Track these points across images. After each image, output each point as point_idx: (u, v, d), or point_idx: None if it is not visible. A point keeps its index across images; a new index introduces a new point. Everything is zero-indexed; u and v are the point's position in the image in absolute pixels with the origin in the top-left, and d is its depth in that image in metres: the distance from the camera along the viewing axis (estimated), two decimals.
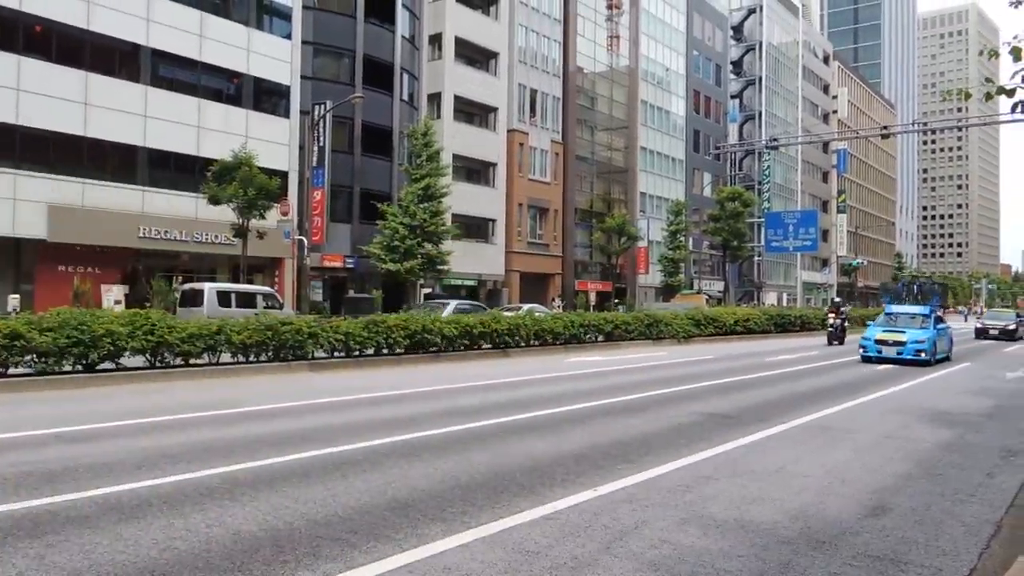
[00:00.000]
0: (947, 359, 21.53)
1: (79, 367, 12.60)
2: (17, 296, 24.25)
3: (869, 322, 24.31)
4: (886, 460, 7.77)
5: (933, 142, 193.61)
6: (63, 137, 27.05)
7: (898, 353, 19.39)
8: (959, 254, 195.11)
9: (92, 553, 4.42)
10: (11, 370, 11.93)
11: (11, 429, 8.27)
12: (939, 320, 21.60)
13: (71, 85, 27.10)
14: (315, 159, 32.48)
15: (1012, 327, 35.57)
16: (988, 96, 7.03)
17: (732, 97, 76.60)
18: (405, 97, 40.13)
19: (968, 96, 7.13)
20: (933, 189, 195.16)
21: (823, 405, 11.77)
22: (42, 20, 26.56)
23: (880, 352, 19.80)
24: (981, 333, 35.93)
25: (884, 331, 20.44)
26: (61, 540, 4.63)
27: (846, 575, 4.42)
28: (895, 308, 22.98)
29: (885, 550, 4.89)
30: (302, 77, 35.05)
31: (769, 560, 4.62)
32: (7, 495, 5.58)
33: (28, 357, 11.96)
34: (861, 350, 20.46)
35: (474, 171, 45.55)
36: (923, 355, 19.24)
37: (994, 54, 7.41)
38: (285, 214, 29.48)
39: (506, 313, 24.00)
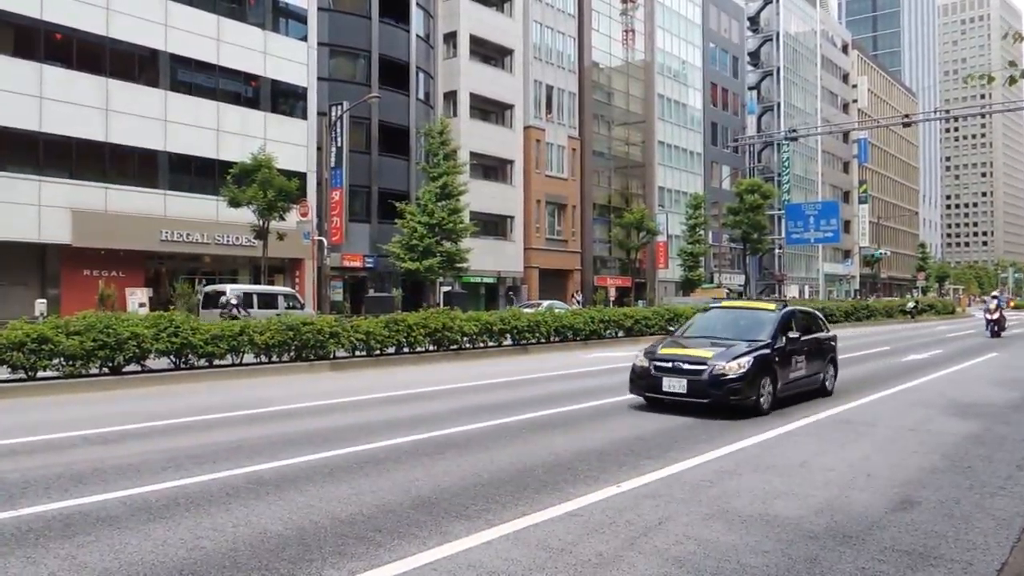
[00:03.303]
0: None
1: (105, 370, 12.77)
2: (44, 301, 24.60)
3: None
4: (909, 453, 7.69)
5: (956, 129, 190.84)
6: (85, 143, 27.38)
7: None
8: (984, 243, 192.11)
9: (122, 553, 4.48)
10: (40, 373, 12.10)
11: (40, 432, 8.40)
12: None
13: (92, 91, 27.42)
14: (333, 160, 32.60)
15: (739, 370, 9.38)
16: (1012, 80, 6.93)
17: (750, 89, 75.93)
18: (421, 96, 40.22)
19: (991, 80, 7.02)
20: (957, 177, 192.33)
21: (843, 399, 11.65)
22: (62, 28, 26.90)
23: None
24: (644, 389, 10.11)
25: None
26: (91, 540, 4.69)
27: (875, 570, 4.37)
28: None
29: (914, 544, 4.83)
30: (318, 78, 35.21)
31: (795, 555, 4.59)
32: (38, 496, 5.67)
33: (56, 360, 12.13)
34: None
35: (491, 168, 45.55)
36: None
37: (1019, 37, 7.29)
38: (304, 215, 29.66)
39: (526, 310, 24.00)
